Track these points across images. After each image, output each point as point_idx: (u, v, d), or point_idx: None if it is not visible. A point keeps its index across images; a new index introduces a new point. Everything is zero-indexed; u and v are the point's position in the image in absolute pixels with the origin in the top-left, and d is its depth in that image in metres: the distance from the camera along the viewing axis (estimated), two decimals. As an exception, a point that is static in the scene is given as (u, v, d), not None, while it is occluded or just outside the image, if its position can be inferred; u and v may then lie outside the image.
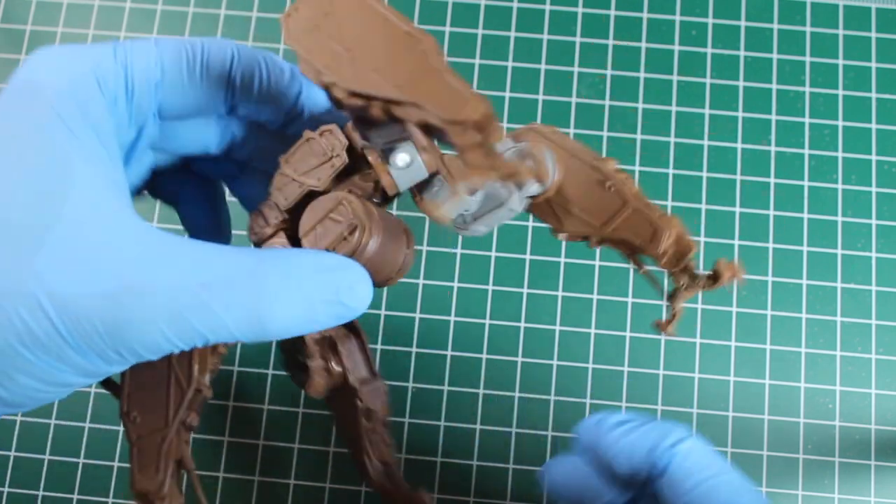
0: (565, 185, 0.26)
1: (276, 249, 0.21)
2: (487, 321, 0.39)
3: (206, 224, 0.28)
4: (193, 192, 0.28)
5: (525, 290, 0.39)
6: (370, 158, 0.22)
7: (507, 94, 0.42)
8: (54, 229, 0.18)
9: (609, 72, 0.42)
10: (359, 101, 0.20)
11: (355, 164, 0.22)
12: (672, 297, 0.27)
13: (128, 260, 0.19)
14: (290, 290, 0.20)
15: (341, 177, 0.23)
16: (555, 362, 0.38)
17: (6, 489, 0.38)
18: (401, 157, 0.22)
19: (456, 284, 0.39)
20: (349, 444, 0.29)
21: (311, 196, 0.22)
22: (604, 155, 0.40)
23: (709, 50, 0.42)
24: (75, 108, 0.20)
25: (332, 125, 0.22)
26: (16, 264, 0.18)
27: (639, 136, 0.41)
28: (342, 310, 0.21)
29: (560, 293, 0.39)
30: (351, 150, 0.22)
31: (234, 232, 0.30)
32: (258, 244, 0.23)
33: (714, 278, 0.28)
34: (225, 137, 0.25)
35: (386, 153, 0.22)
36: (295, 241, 0.23)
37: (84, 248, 0.18)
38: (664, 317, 0.31)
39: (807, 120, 0.41)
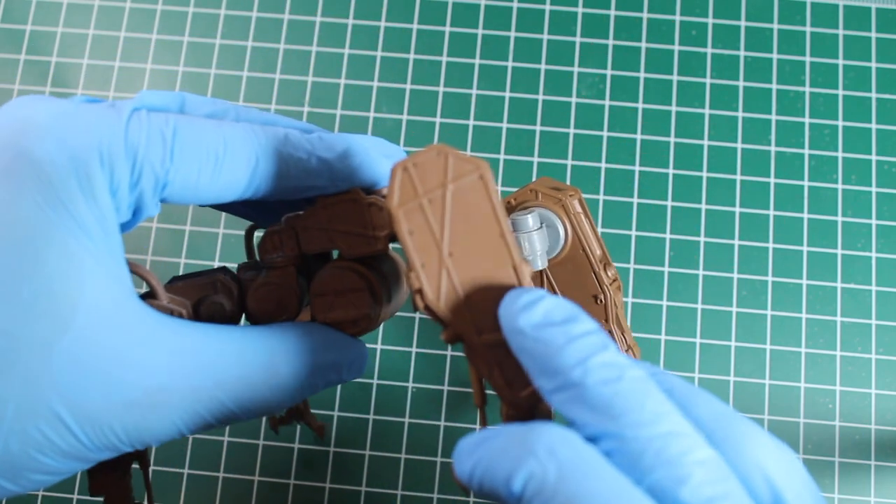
0: (559, 271, 0.27)
1: (287, 332, 0.21)
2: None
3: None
4: None
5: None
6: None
7: (507, 94, 0.42)
8: (68, 339, 0.17)
9: (609, 72, 0.42)
10: (433, 317, 0.19)
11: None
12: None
13: (145, 366, 0.18)
14: (298, 379, 0.21)
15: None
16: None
17: (6, 489, 0.38)
18: None
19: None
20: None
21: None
22: (604, 155, 0.40)
23: (709, 50, 0.42)
24: (78, 192, 0.18)
25: (384, 203, 0.21)
26: (30, 381, 0.17)
27: (639, 136, 0.41)
28: (339, 381, 0.22)
29: (560, 293, 0.39)
30: (393, 236, 0.22)
31: (226, 231, 0.29)
32: (266, 264, 0.23)
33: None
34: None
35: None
36: (300, 269, 0.23)
37: (101, 358, 0.18)
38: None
39: (807, 120, 0.41)
